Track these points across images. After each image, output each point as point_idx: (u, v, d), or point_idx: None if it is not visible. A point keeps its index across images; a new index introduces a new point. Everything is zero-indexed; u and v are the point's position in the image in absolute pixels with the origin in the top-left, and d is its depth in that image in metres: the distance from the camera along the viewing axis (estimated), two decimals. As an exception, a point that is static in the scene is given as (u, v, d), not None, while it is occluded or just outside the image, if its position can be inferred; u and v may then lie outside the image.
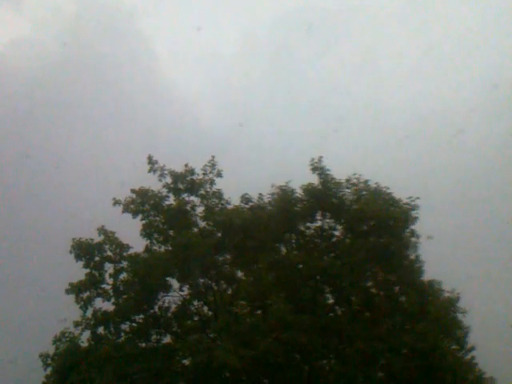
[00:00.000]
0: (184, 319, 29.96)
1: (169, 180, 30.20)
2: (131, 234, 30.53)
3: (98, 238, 29.73)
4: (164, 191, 30.20)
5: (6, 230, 49.45)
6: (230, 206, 30.25)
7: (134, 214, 29.84)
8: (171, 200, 30.27)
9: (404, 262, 27.65)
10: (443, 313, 27.50)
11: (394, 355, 25.63)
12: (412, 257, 28.07)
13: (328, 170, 28.74)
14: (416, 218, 27.96)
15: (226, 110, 71.00)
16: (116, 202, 29.88)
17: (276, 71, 74.15)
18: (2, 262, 46.10)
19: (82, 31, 67.81)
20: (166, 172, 30.08)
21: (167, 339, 29.48)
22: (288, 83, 72.55)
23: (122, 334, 28.99)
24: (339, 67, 71.46)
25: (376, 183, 28.67)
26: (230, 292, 30.19)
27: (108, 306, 29.24)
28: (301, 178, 29.05)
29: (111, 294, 29.28)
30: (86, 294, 28.97)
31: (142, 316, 29.20)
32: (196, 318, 30.27)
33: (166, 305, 29.52)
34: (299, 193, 28.93)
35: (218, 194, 30.43)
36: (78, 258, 29.24)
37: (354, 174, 28.96)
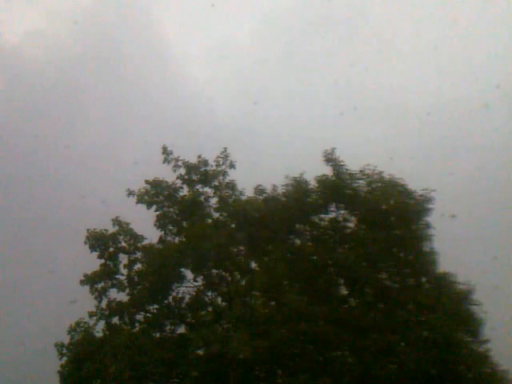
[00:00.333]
0: (198, 310, 30.12)
1: (183, 171, 30.24)
2: (145, 225, 30.67)
3: (112, 229, 29.91)
4: (178, 182, 30.26)
5: (22, 220, 49.81)
6: (243, 198, 30.26)
7: (148, 204, 29.93)
8: (185, 191, 30.35)
9: (418, 253, 27.52)
10: (457, 305, 27.37)
11: (407, 347, 25.55)
12: (426, 249, 27.96)
13: (342, 161, 28.64)
14: (431, 210, 27.82)
15: (240, 98, 70.70)
16: (130, 193, 29.99)
17: (291, 59, 73.82)
18: (16, 254, 46.48)
19: (97, 22, 67.88)
20: (180, 163, 30.11)
21: (181, 329, 29.67)
22: (304, 72, 72.19)
23: (137, 325, 29.22)
24: (355, 56, 71.05)
25: (390, 174, 28.54)
26: (243, 283, 30.26)
27: (122, 297, 29.47)
28: (315, 169, 28.97)
29: (126, 284, 29.55)
30: (100, 285, 29.24)
31: (156, 306, 29.40)
32: (210, 309, 30.37)
33: (180, 295, 29.73)
34: (313, 184, 28.87)
35: (232, 185, 30.46)
36: (92, 248, 29.45)
37: (368, 165, 28.84)
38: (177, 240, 30.00)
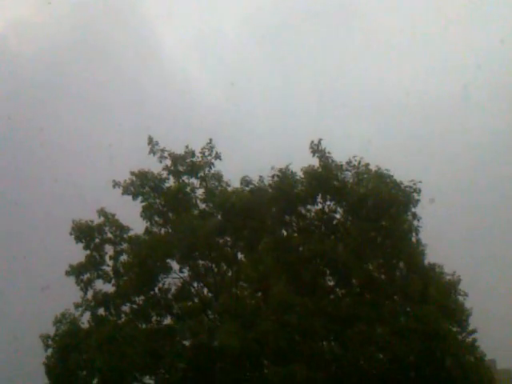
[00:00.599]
0: (184, 301, 29.94)
1: (168, 162, 30.05)
2: (131, 215, 30.47)
3: (98, 220, 29.70)
4: (164, 173, 30.07)
5: (5, 212, 49.33)
6: (230, 189, 30.13)
7: (134, 196, 29.74)
8: (171, 182, 30.17)
9: (405, 244, 27.56)
10: (444, 296, 27.49)
11: (394, 338, 25.60)
12: (414, 240, 28.01)
13: (328, 152, 28.59)
14: (418, 201, 27.84)
15: (226, 90, 70.59)
16: (116, 184, 29.77)
17: (276, 52, 73.77)
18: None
19: (85, 13, 67.40)
20: (165, 154, 29.91)
21: (168, 321, 29.55)
22: (288, 65, 72.19)
23: (123, 316, 29.05)
24: (340, 50, 71.11)
25: (377, 166, 28.51)
26: (230, 274, 30.17)
27: (108, 288, 29.31)
28: (300, 161, 28.92)
29: (111, 275, 29.33)
30: (86, 276, 29.02)
31: (142, 297, 29.20)
32: (196, 300, 30.25)
33: (167, 286, 29.51)
34: (300, 175, 28.79)
35: (218, 177, 30.29)
36: (78, 239, 29.22)
37: (355, 157, 28.81)
38: (163, 231, 29.82)
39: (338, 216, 28.99)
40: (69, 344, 27.73)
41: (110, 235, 29.69)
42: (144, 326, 29.01)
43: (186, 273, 29.64)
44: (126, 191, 29.65)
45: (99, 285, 29.24)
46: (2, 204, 48.87)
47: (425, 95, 63.21)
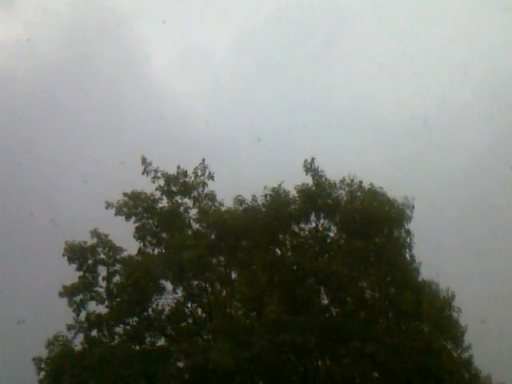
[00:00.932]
0: (178, 322, 29.76)
1: (162, 182, 30.03)
2: (124, 236, 30.36)
3: (91, 241, 29.57)
4: (157, 193, 30.04)
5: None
6: (223, 208, 30.12)
7: (127, 216, 29.67)
8: (164, 202, 30.13)
9: (399, 261, 27.58)
10: (439, 312, 27.49)
11: (389, 354, 25.55)
12: (407, 257, 28.03)
13: (322, 170, 28.68)
14: (410, 218, 27.91)
15: (217, 109, 70.78)
16: (108, 205, 29.71)
17: (268, 71, 74.18)
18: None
19: (75, 33, 67.57)
20: (159, 174, 29.90)
21: (161, 342, 29.33)
22: (280, 82, 72.62)
23: (116, 337, 28.78)
24: (332, 66, 71.64)
25: (370, 183, 28.61)
26: (224, 293, 30.08)
27: (101, 309, 29.07)
28: (294, 179, 28.98)
29: (105, 296, 29.09)
30: (79, 297, 28.79)
31: (135, 319, 28.99)
32: (190, 321, 30.10)
33: (160, 307, 29.30)
34: (293, 194, 28.85)
35: (211, 196, 30.28)
36: (71, 260, 29.06)
37: (348, 175, 28.93)
38: (156, 251, 29.73)
39: (331, 234, 29.03)
40: (62, 366, 27.45)
41: (103, 256, 29.52)
42: (138, 347, 28.77)
43: (179, 293, 29.51)
44: (118, 212, 29.58)
45: (92, 306, 29.02)
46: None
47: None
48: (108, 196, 29.83)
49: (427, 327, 26.45)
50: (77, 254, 29.01)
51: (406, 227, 27.86)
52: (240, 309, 29.64)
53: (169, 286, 29.18)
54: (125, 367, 26.65)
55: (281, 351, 25.94)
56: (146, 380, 26.74)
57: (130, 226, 29.83)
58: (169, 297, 29.37)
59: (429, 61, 69.95)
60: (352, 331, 26.24)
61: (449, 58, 67.65)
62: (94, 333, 28.70)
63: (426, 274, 28.65)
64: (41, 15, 73.16)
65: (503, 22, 63.94)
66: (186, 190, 29.71)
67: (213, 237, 29.01)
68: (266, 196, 28.94)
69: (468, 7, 66.77)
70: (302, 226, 28.92)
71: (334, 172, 28.96)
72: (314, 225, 28.79)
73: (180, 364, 27.93)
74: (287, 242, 29.22)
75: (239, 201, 29.32)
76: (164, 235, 29.65)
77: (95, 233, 29.50)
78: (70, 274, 29.16)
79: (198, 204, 29.88)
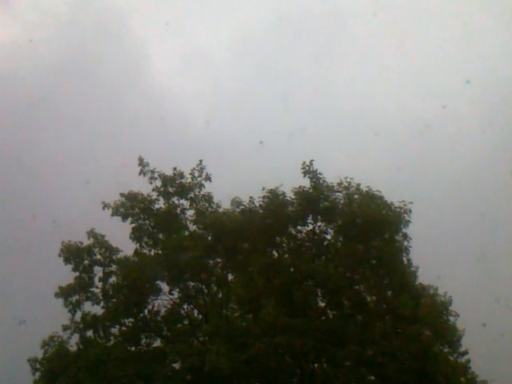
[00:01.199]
0: (174, 323, 29.72)
1: (158, 183, 29.96)
2: (121, 237, 30.30)
3: (87, 241, 29.48)
4: (154, 194, 29.98)
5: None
6: (220, 210, 30.05)
7: (124, 217, 29.60)
8: (161, 203, 30.06)
9: (396, 265, 27.48)
10: (436, 316, 27.41)
11: (386, 358, 25.48)
12: (405, 260, 27.94)
13: (320, 173, 28.60)
14: (408, 222, 27.83)
15: (217, 111, 70.77)
16: (105, 206, 29.62)
17: (268, 74, 74.18)
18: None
19: (73, 32, 67.54)
20: (156, 175, 29.84)
21: (157, 343, 29.27)
22: (279, 84, 72.62)
23: (112, 338, 28.74)
24: (333, 69, 71.66)
25: (368, 186, 28.53)
26: (220, 295, 30.00)
27: (97, 310, 28.98)
28: (294, 180, 28.92)
29: (100, 297, 29.01)
30: (75, 298, 28.70)
31: (131, 320, 28.93)
32: (186, 322, 30.03)
33: (156, 308, 29.27)
34: (290, 196, 28.77)
35: (208, 198, 30.20)
36: (67, 261, 28.98)
37: (346, 178, 28.84)
38: (153, 252, 29.65)
39: (328, 237, 28.91)
40: (57, 367, 27.40)
41: (99, 257, 29.45)
42: (133, 348, 28.73)
43: (175, 294, 29.45)
44: (115, 213, 29.50)
45: (88, 307, 28.94)
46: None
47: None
48: (109, 197, 29.77)
49: (424, 331, 26.31)
50: (73, 254, 28.93)
51: (404, 231, 27.82)
52: (236, 311, 29.56)
53: (165, 287, 29.17)
54: (120, 368, 26.61)
55: (277, 354, 25.87)
56: (141, 381, 26.76)
57: (128, 226, 29.73)
58: (165, 298, 29.37)
59: (430, 65, 70.04)
60: (349, 334, 26.18)
61: (450, 63, 67.75)
62: (90, 333, 28.58)
63: (423, 278, 28.54)
64: (40, 15, 73.12)
65: (505, 29, 64.23)
66: (183, 191, 29.64)
67: (210, 238, 28.94)
68: (263, 198, 28.86)
69: (470, 13, 66.93)
70: (299, 228, 28.85)
71: (333, 175, 28.88)
72: (311, 227, 28.72)
73: (176, 365, 27.87)
74: (284, 245, 29.13)
75: (236, 202, 29.24)
76: (161, 236, 29.58)
77: (92, 233, 29.44)
78: (70, 275, 29.17)
79: (194, 205, 29.82)
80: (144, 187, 29.88)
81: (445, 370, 25.83)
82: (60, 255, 29.00)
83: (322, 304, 28.61)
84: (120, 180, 30.75)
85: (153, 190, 29.83)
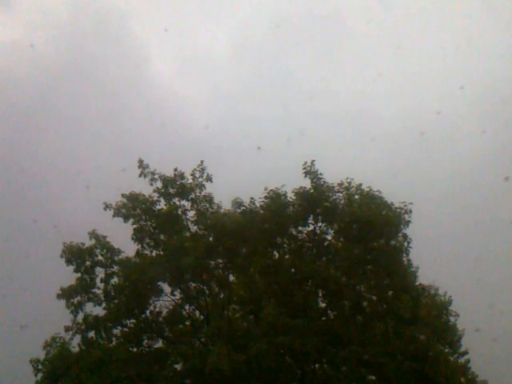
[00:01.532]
0: (176, 324, 29.79)
1: (159, 184, 30.05)
2: (122, 238, 30.37)
3: (89, 242, 29.56)
4: (155, 196, 30.05)
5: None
6: (221, 211, 30.12)
7: (125, 218, 29.67)
8: (162, 204, 30.14)
9: (397, 266, 27.59)
10: (436, 317, 27.49)
11: (386, 359, 25.55)
12: (405, 261, 28.04)
13: (321, 173, 28.71)
14: (408, 222, 27.94)
15: (217, 115, 70.88)
16: (107, 207, 29.71)
17: (268, 75, 74.31)
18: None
19: (74, 34, 67.59)
20: (156, 176, 29.92)
21: (159, 344, 29.34)
22: (279, 86, 72.74)
23: (114, 339, 28.78)
24: (331, 74, 71.77)
25: (368, 187, 28.64)
26: (222, 296, 30.07)
27: (99, 311, 29.05)
28: (293, 182, 29.01)
29: (102, 298, 29.06)
30: (76, 299, 28.77)
31: (133, 321, 29.00)
32: (188, 323, 30.10)
33: (158, 309, 29.41)
34: (291, 197, 28.88)
35: (209, 198, 30.25)
36: (68, 262, 29.05)
37: (347, 178, 28.96)
38: (154, 253, 29.69)
39: (329, 237, 29.03)
40: (59, 368, 27.41)
41: (100, 258, 29.51)
42: (135, 349, 28.79)
43: (177, 295, 29.56)
44: (117, 213, 29.58)
45: (90, 308, 29.02)
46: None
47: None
48: (110, 201, 29.82)
49: (424, 332, 26.40)
50: (75, 255, 28.99)
51: (404, 231, 27.93)
52: (238, 311, 29.61)
53: (166, 287, 29.26)
54: (122, 369, 26.68)
55: (278, 354, 25.94)
56: (143, 382, 26.82)
57: (129, 228, 29.82)
58: (166, 299, 29.46)
59: (427, 71, 70.19)
60: (349, 335, 26.29)
61: (446, 69, 67.95)
62: (92, 334, 28.63)
63: (422, 279, 28.63)
64: (40, 16, 73.16)
65: (501, 36, 64.42)
66: (184, 192, 29.70)
67: (211, 239, 29.03)
68: (264, 198, 28.95)
69: (466, 19, 67.13)
70: (300, 229, 28.96)
71: (331, 178, 29.01)
72: (311, 228, 28.84)
73: (177, 367, 27.91)
74: (285, 245, 29.24)
75: (237, 203, 29.35)
76: (162, 237, 29.63)
77: (93, 234, 29.51)
78: (71, 276, 29.25)
79: (195, 206, 29.89)
80: (145, 190, 29.99)
81: (445, 371, 25.93)
82: (62, 256, 29.07)
83: (323, 304, 28.72)
84: (121, 183, 30.66)
85: (154, 191, 29.91)
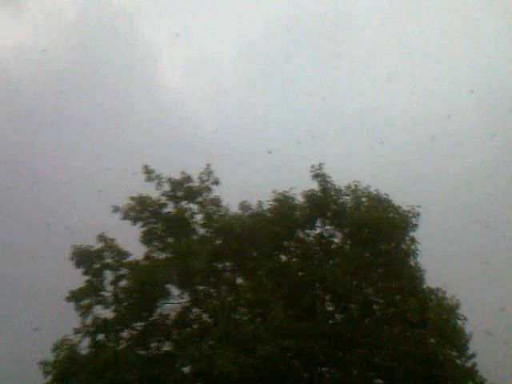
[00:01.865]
0: (184, 326, 29.80)
1: (167, 188, 30.16)
2: (131, 241, 30.53)
3: (97, 245, 29.75)
4: (163, 199, 30.17)
5: (5, 236, 49.36)
6: (229, 214, 30.19)
7: (134, 221, 29.82)
8: (170, 207, 30.26)
9: (404, 269, 27.54)
10: (444, 320, 27.38)
11: (394, 362, 25.50)
12: (412, 264, 27.99)
13: (329, 176, 28.74)
14: (416, 225, 27.90)
15: (223, 113, 70.85)
16: (116, 209, 29.87)
17: (273, 76, 74.26)
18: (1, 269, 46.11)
19: (83, 37, 67.78)
20: (163, 180, 30.03)
21: (167, 347, 29.39)
22: (287, 88, 72.68)
23: (122, 342, 28.88)
24: (341, 77, 71.58)
25: (376, 190, 28.64)
26: (229, 299, 30.08)
27: (108, 314, 29.20)
28: (303, 185, 29.06)
29: (111, 301, 29.24)
30: (85, 302, 28.95)
31: (141, 323, 29.07)
32: (196, 326, 30.13)
33: (166, 312, 29.39)
34: (298, 199, 28.92)
35: (217, 201, 30.36)
36: (77, 265, 29.25)
37: (354, 181, 28.97)
38: (162, 256, 29.82)
39: (336, 240, 29.04)
40: (68, 370, 27.53)
41: (109, 260, 29.70)
42: (143, 352, 28.80)
43: (185, 298, 29.61)
44: (125, 216, 29.74)
45: (99, 310, 29.16)
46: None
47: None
48: (121, 204, 30.02)
49: (432, 336, 26.31)
50: (83, 258, 29.20)
51: (411, 234, 27.88)
52: (245, 314, 29.62)
53: (175, 290, 29.29)
54: (130, 372, 26.70)
55: (286, 357, 25.93)
56: (151, 385, 26.88)
57: (137, 231, 29.95)
58: (175, 302, 29.49)
59: (437, 74, 69.88)
60: (357, 338, 26.26)
61: (456, 72, 67.60)
62: (101, 337, 28.79)
63: (430, 282, 28.50)
64: (49, 19, 73.42)
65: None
66: (191, 195, 29.81)
67: (218, 242, 29.11)
68: (271, 201, 29.00)
69: (478, 22, 66.81)
70: (308, 232, 29.00)
71: (339, 183, 29.03)
72: (319, 231, 28.89)
73: (185, 369, 27.98)
74: (292, 248, 29.27)
75: (245, 206, 29.43)
76: (170, 240, 29.77)
77: (102, 237, 29.70)
78: (81, 280, 29.46)
79: (203, 209, 30.00)
80: (155, 193, 30.21)
81: (453, 375, 25.84)
82: (71, 259, 29.28)
83: (330, 308, 28.70)
84: (132, 186, 30.85)
85: (161, 194, 30.04)
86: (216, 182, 29.97)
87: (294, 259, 29.07)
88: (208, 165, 30.11)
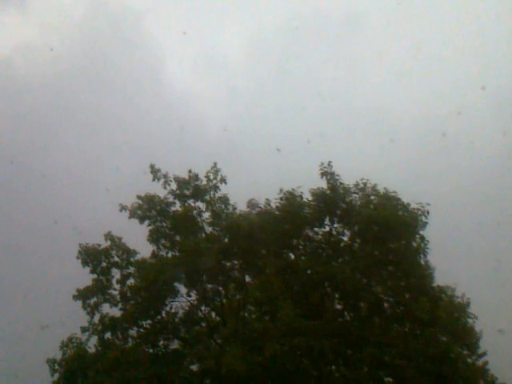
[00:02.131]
0: (192, 325, 29.75)
1: (173, 186, 30.07)
2: (138, 239, 30.46)
3: (104, 244, 29.69)
4: (170, 197, 30.06)
5: (14, 236, 49.46)
6: (236, 212, 30.06)
7: (141, 219, 29.72)
8: (177, 206, 30.15)
9: (414, 267, 27.32)
10: (454, 318, 27.20)
11: (404, 361, 25.30)
12: (422, 262, 27.75)
13: (337, 174, 28.55)
14: (426, 223, 27.66)
15: (232, 114, 70.84)
16: (123, 208, 29.78)
17: (282, 77, 74.16)
18: (8, 269, 46.20)
19: (90, 35, 67.89)
20: (170, 179, 29.92)
21: (175, 345, 29.31)
22: (295, 86, 72.58)
23: (130, 340, 28.87)
24: (350, 76, 71.47)
25: (385, 188, 28.42)
26: (238, 297, 30.00)
27: (115, 312, 29.16)
28: (312, 184, 28.88)
29: (118, 299, 29.22)
30: (93, 300, 28.91)
31: (149, 321, 29.04)
32: (204, 324, 30.06)
33: (174, 310, 29.40)
34: (307, 197, 28.75)
35: (224, 200, 30.21)
36: (85, 263, 29.19)
37: (362, 179, 28.78)
38: (170, 255, 29.70)
39: (345, 238, 28.85)
40: (75, 368, 27.57)
41: (116, 259, 29.64)
42: (151, 350, 28.82)
43: (193, 296, 29.52)
44: (133, 215, 29.64)
45: (106, 309, 29.12)
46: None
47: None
48: (129, 204, 29.92)
49: (443, 334, 26.11)
50: (91, 256, 29.15)
51: (421, 232, 27.64)
52: (253, 313, 29.52)
53: (182, 289, 29.23)
54: (138, 370, 26.68)
55: (294, 355, 25.77)
56: (159, 383, 26.76)
57: (144, 230, 29.86)
58: (182, 300, 29.44)
59: (447, 72, 69.63)
60: (366, 337, 26.05)
61: (467, 70, 67.33)
62: (108, 335, 28.78)
63: (440, 280, 28.33)
64: (56, 18, 73.59)
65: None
66: (198, 193, 29.68)
67: (226, 240, 28.99)
68: (280, 199, 28.85)
69: (488, 19, 66.48)
70: (316, 230, 28.81)
71: (348, 181, 28.88)
72: (327, 229, 28.69)
73: (193, 368, 27.90)
74: (301, 247, 29.09)
75: (253, 204, 29.28)
76: (177, 238, 29.64)
77: (109, 236, 29.64)
78: (89, 278, 29.41)
79: (210, 208, 29.85)
80: (162, 191, 30.06)
81: (464, 373, 25.63)
82: (78, 258, 29.23)
83: (339, 306, 28.51)
84: (140, 186, 30.75)
85: (168, 193, 29.93)
86: (223, 181, 29.76)
87: (302, 257, 28.94)
88: (215, 163, 29.92)
